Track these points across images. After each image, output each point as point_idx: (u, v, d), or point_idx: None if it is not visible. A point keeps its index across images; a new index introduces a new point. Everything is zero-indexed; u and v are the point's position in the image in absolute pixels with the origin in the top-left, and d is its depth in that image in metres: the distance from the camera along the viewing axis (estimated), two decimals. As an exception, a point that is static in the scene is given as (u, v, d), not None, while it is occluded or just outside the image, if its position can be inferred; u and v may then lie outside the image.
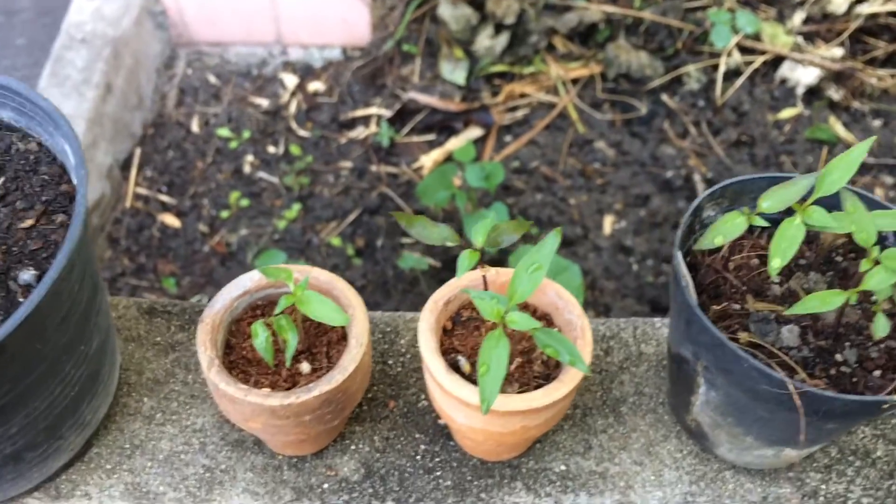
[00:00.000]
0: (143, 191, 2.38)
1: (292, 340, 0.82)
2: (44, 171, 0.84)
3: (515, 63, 2.63)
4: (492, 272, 0.89)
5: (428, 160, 2.46)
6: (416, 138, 2.52)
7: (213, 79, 2.63)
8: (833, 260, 0.91)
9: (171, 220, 2.34)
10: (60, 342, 0.76)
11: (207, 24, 2.62)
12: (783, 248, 0.77)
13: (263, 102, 2.59)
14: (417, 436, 0.99)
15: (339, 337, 0.91)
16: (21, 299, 0.75)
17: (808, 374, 0.82)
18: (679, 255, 0.85)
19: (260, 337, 0.82)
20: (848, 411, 0.79)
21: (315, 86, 2.63)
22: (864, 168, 2.42)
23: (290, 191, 2.40)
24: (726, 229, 0.81)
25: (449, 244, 0.82)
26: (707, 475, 0.97)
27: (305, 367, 0.87)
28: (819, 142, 2.47)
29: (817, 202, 0.80)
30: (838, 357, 0.83)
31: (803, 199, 0.81)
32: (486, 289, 0.88)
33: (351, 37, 2.66)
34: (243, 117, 2.54)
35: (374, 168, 2.45)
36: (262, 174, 2.43)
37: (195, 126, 2.53)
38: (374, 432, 0.99)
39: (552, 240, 0.75)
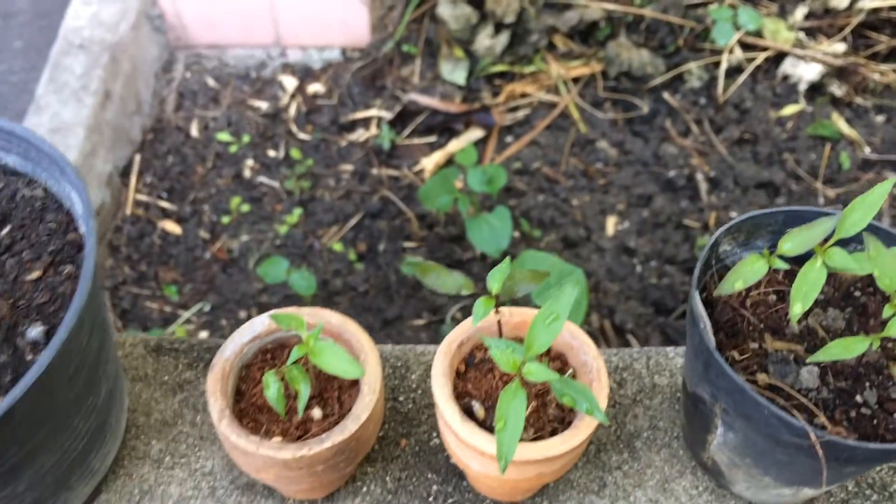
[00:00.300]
0: (143, 197, 2.37)
1: (304, 391, 0.80)
2: (50, 219, 0.83)
3: (516, 62, 2.61)
4: (506, 313, 0.88)
5: (429, 162, 2.44)
6: (416, 140, 2.50)
7: (211, 82, 2.61)
8: (852, 295, 0.90)
9: (172, 227, 2.32)
10: (69, 398, 0.74)
11: (205, 26, 2.59)
12: (804, 293, 0.76)
13: (263, 105, 2.57)
14: (430, 476, 0.97)
15: (351, 381, 0.89)
16: (29, 356, 0.73)
17: (827, 417, 0.81)
18: (696, 296, 0.83)
19: (272, 388, 0.81)
20: (870, 457, 0.78)
21: (315, 88, 2.61)
22: (867, 165, 2.41)
23: (290, 195, 2.38)
24: (746, 273, 0.79)
25: (464, 293, 0.80)
26: (723, 512, 0.96)
27: (317, 413, 0.86)
28: (822, 138, 2.46)
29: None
30: (858, 398, 0.82)
31: (825, 239, 0.80)
32: (500, 334, 0.87)
33: (350, 37, 2.64)
34: (243, 121, 2.52)
35: (375, 171, 2.43)
36: (262, 178, 2.42)
37: (194, 130, 2.51)
38: (386, 472, 0.97)
39: (570, 289, 0.74)
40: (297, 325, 0.81)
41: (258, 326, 0.89)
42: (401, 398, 1.03)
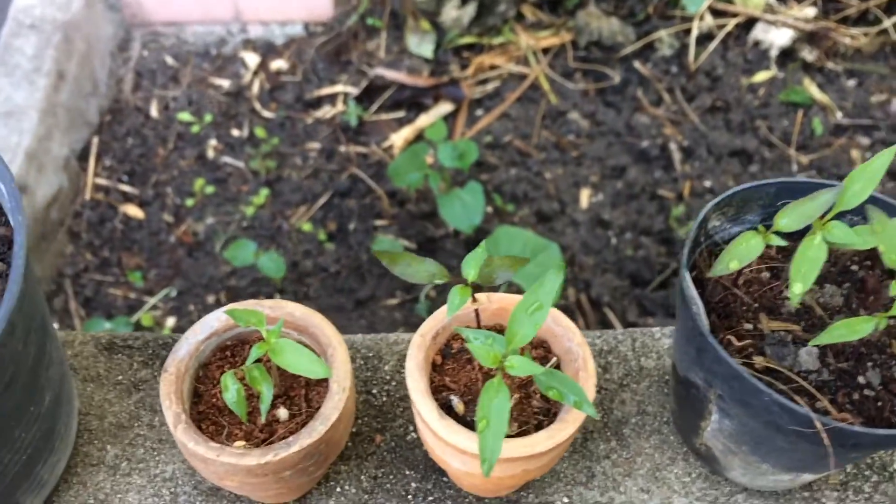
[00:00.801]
0: (102, 181, 2.29)
1: (267, 393, 0.74)
2: (-24, 213, 0.75)
3: (484, 34, 2.54)
4: (483, 300, 0.82)
5: (398, 138, 2.38)
6: (384, 116, 2.43)
7: (170, 60, 2.53)
8: (849, 270, 0.84)
9: (134, 211, 2.25)
10: (6, 409, 0.68)
11: (162, 2, 2.50)
12: (804, 272, 0.70)
13: (224, 83, 2.49)
14: (408, 472, 0.91)
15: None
16: (-43, 366, 0.67)
17: (829, 400, 0.75)
18: (688, 277, 0.77)
19: (231, 391, 0.74)
20: (878, 443, 0.73)
21: (277, 64, 2.53)
22: (839, 130, 2.38)
23: (256, 175, 2.31)
24: (741, 252, 0.74)
25: (437, 281, 0.74)
26: (718, 500, 0.91)
27: (283, 413, 0.80)
28: (794, 104, 2.42)
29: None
30: (861, 379, 0.77)
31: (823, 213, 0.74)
32: (478, 324, 0.81)
33: (312, 11, 2.56)
34: (204, 100, 2.44)
35: (342, 148, 2.36)
36: (226, 159, 2.34)
37: (154, 111, 2.42)
38: (361, 471, 0.91)
39: (554, 277, 0.68)
40: (255, 320, 0.75)
41: (214, 322, 0.82)
42: (374, 391, 0.97)
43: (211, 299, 2.12)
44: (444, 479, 0.91)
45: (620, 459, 0.93)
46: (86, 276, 2.15)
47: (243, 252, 2.07)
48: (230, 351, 0.85)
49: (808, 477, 0.85)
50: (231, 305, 0.80)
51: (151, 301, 2.11)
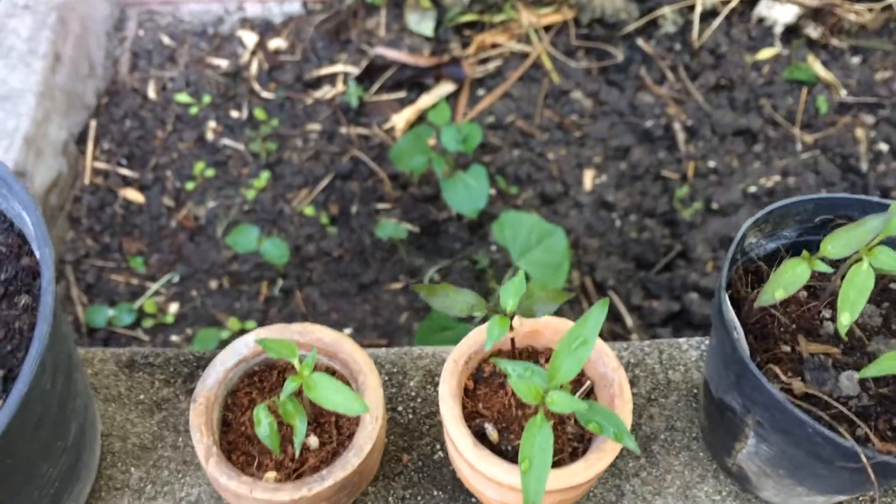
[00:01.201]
0: (101, 165, 2.25)
1: (301, 427, 0.72)
2: (0, 242, 0.73)
3: (485, 11, 2.51)
4: (517, 323, 0.80)
5: (400, 120, 2.35)
6: (385, 96, 2.40)
7: (167, 40, 2.48)
8: (888, 289, 0.83)
9: (134, 195, 2.22)
10: (35, 448, 0.66)
11: (157, -20, 2.46)
12: (852, 300, 0.68)
13: (222, 63, 2.45)
14: (436, 493, 0.89)
15: (350, 403, 0.81)
16: (-14, 405, 0.64)
17: (869, 427, 0.74)
18: (727, 300, 0.75)
19: (263, 425, 0.72)
20: (921, 473, 0.72)
21: (276, 43, 2.49)
22: (843, 108, 2.36)
23: (257, 158, 2.28)
24: (787, 280, 0.72)
25: (476, 314, 0.72)
26: (749, 518, 0.90)
27: (313, 441, 0.78)
28: (798, 82, 2.40)
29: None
30: (902, 405, 0.76)
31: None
32: (513, 352, 0.79)
33: (311, -11, 2.52)
34: (202, 80, 2.40)
35: (343, 130, 2.33)
36: (226, 141, 2.31)
37: (152, 92, 2.39)
38: (389, 492, 0.89)
39: (598, 312, 0.66)
40: (288, 352, 0.72)
41: (242, 349, 0.80)
42: (399, 408, 0.95)
43: (213, 284, 2.10)
44: (473, 499, 0.89)
45: (650, 477, 0.92)
46: (87, 261, 2.13)
47: (246, 238, 2.04)
48: (258, 377, 0.83)
49: (841, 498, 0.84)
50: (260, 332, 0.78)
51: (154, 287, 2.08)
